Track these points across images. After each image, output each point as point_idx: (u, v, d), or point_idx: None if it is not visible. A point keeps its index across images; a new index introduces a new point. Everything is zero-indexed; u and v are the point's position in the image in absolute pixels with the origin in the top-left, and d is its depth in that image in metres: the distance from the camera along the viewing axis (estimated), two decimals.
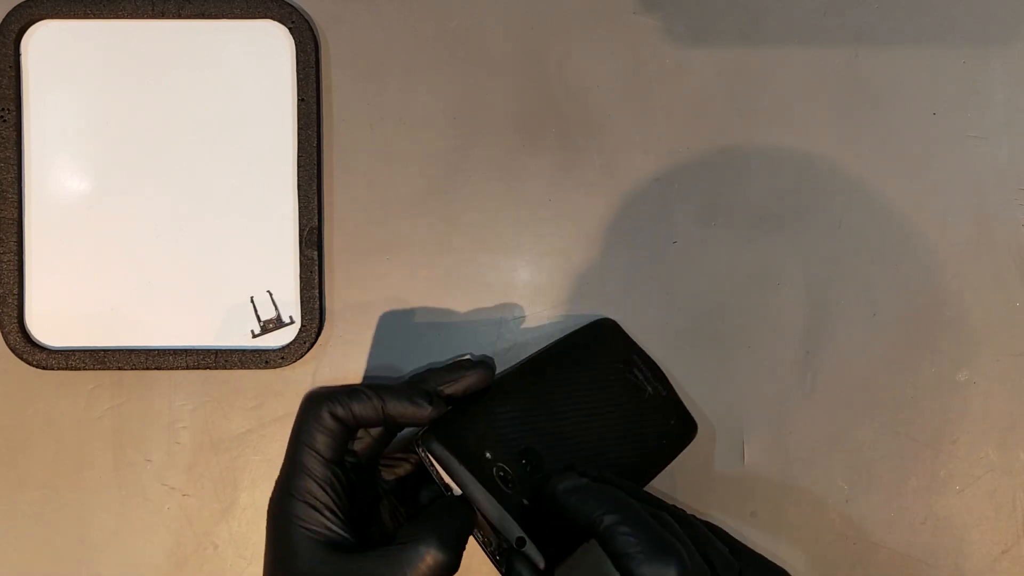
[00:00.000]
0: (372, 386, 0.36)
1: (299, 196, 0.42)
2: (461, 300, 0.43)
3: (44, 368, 0.42)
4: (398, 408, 0.35)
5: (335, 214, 0.43)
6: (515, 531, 0.34)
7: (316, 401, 0.35)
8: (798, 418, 0.44)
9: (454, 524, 0.34)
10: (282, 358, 0.42)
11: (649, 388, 0.41)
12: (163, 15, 0.42)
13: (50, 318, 0.43)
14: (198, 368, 0.42)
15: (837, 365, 0.44)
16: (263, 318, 0.43)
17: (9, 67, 0.42)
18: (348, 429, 0.35)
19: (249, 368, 0.42)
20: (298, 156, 0.42)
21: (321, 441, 0.35)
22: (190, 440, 0.43)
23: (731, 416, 0.44)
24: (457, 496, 0.35)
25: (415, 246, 0.43)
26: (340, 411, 0.35)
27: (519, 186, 0.44)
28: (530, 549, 0.34)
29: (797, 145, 0.44)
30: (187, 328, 0.43)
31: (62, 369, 0.42)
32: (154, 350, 0.42)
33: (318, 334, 0.43)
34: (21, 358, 0.42)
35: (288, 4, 0.42)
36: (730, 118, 0.44)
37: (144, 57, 0.43)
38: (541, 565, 0.34)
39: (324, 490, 0.34)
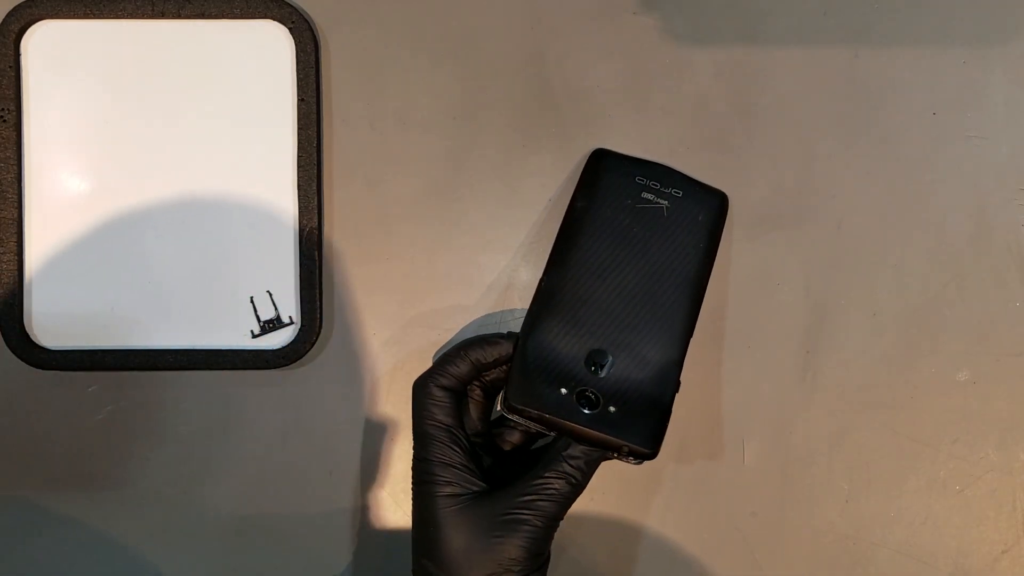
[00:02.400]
0: (456, 347, 0.40)
1: (299, 196, 0.42)
2: (461, 301, 0.43)
3: (44, 368, 0.42)
4: (480, 354, 0.39)
5: (335, 214, 0.43)
6: (616, 443, 0.37)
7: (422, 382, 0.39)
8: (798, 418, 0.44)
9: (575, 458, 0.38)
10: (282, 358, 0.42)
11: (665, 201, 0.41)
12: (163, 15, 0.42)
13: (50, 318, 0.42)
14: (198, 368, 0.42)
15: (837, 365, 0.44)
16: (263, 318, 0.43)
17: (9, 67, 0.42)
18: (456, 394, 0.39)
19: (249, 368, 0.42)
20: (298, 156, 0.42)
21: (438, 411, 0.39)
22: (190, 440, 0.43)
23: (731, 416, 0.44)
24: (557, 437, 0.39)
25: (415, 246, 0.43)
26: (443, 380, 0.39)
27: (519, 186, 0.44)
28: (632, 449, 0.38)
29: (797, 145, 0.44)
30: (187, 328, 0.43)
31: (62, 369, 0.42)
32: (154, 350, 0.42)
33: (318, 334, 0.43)
34: (21, 358, 0.42)
35: (288, 4, 0.42)
36: (730, 118, 0.44)
37: (144, 57, 0.42)
38: (651, 454, 0.38)
39: (453, 448, 0.38)
